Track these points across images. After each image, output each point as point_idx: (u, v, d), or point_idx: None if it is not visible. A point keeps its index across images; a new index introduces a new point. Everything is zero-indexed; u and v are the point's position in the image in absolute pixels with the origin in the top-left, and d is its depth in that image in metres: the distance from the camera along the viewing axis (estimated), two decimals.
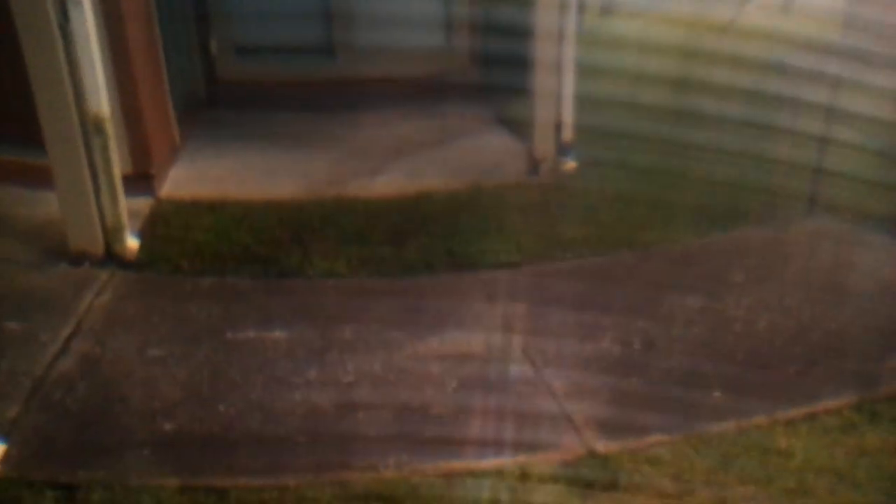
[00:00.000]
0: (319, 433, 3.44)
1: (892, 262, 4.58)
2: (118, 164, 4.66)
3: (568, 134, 5.80)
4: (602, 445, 3.31)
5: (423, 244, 4.90)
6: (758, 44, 6.65)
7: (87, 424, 3.41)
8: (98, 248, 4.59)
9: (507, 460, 3.26)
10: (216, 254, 4.84)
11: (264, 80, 7.56)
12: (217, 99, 7.49)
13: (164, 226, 5.10)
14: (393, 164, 6.16)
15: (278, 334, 4.08)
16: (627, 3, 8.87)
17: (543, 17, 5.69)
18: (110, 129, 4.51)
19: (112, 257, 4.63)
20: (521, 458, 3.26)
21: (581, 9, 6.08)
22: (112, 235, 4.64)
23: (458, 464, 3.26)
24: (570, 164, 5.78)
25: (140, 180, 5.36)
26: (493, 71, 7.36)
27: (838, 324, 4.02)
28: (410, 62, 7.63)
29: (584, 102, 5.86)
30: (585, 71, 5.80)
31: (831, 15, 7.25)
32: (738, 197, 5.21)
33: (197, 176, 5.97)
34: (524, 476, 3.17)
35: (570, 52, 5.76)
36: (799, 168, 5.26)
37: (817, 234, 4.96)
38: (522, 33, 5.99)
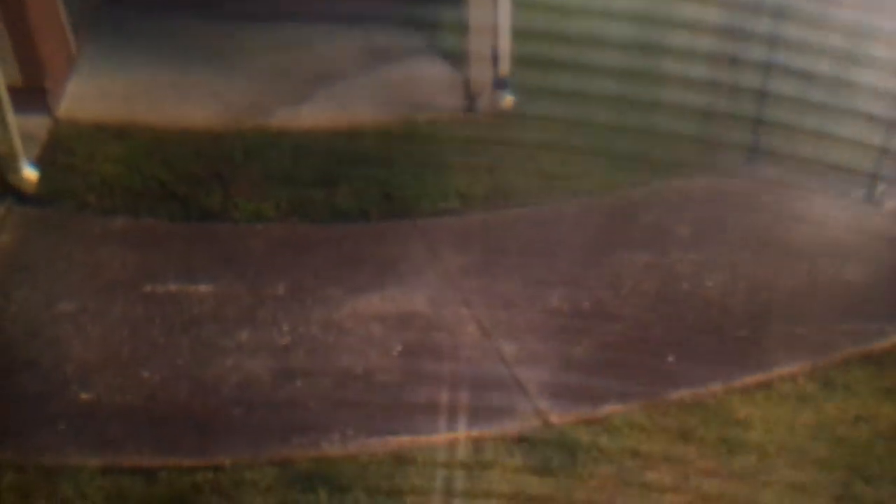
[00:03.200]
0: (255, 404, 3.19)
1: (836, 217, 4.55)
2: (1, 76, 4.05)
3: (505, 67, 5.50)
4: (557, 416, 3.20)
5: (358, 187, 4.58)
6: None
7: None
8: None
9: (459, 434, 3.11)
10: (128, 189, 4.40)
11: None
12: (118, 2, 6.75)
13: (65, 153, 4.58)
14: (320, 90, 5.72)
15: (203, 288, 3.74)
16: None
17: None
18: None
19: (7, 190, 4.12)
20: (475, 432, 3.11)
21: None
22: (4, 164, 4.11)
23: (407, 439, 3.08)
24: (508, 100, 5.50)
25: (32, 95, 4.72)
26: None
27: (786, 283, 3.98)
28: None
29: (521, 34, 5.56)
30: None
31: None
32: (679, 142, 5.07)
33: (99, 92, 5.38)
34: (478, 452, 3.03)
35: None
36: (741, 117, 5.14)
37: (759, 185, 4.89)
38: None
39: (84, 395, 3.08)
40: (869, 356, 3.48)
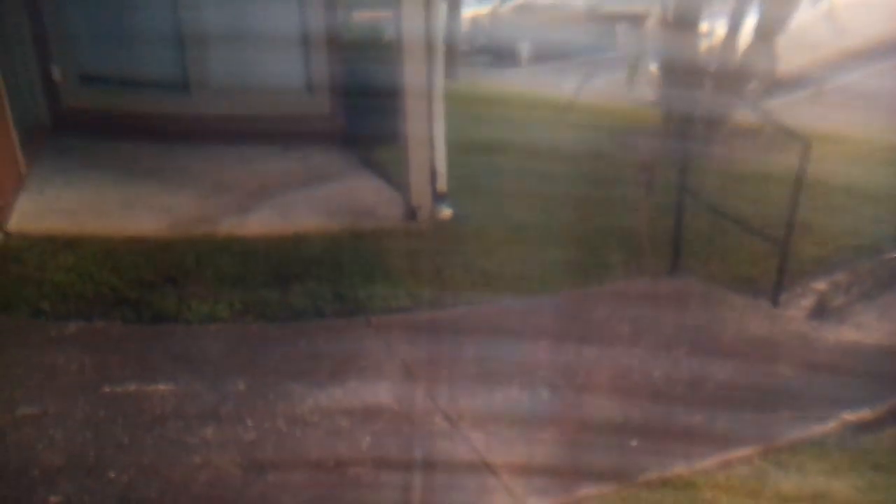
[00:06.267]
0: (227, 501, 2.98)
1: (754, 319, 4.72)
2: None
3: (442, 184, 5.65)
4: (534, 501, 3.09)
5: (309, 288, 4.52)
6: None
7: None
8: None
9: None
10: (80, 296, 4.22)
11: (114, 110, 6.85)
12: (64, 126, 6.67)
13: (17, 264, 4.38)
14: (262, 202, 5.71)
15: (163, 387, 3.56)
16: None
17: (410, 69, 5.49)
18: None
19: None
20: None
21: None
22: None
23: None
24: (447, 212, 5.61)
25: None
26: (358, 112, 7.10)
27: (725, 375, 4.04)
28: (269, 102, 7.21)
29: (455, 152, 5.76)
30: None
31: None
32: (606, 251, 5.25)
33: (48, 207, 5.23)
34: None
35: (439, 106, 5.62)
36: (661, 230, 5.36)
37: (682, 290, 5.07)
38: (385, 78, 5.79)
39: (53, 499, 2.82)
40: (812, 439, 3.55)
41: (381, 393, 3.67)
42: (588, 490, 3.13)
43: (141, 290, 4.33)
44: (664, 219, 5.37)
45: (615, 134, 8.04)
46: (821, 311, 5.21)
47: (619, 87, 9.21)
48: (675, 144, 6.39)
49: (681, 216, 5.26)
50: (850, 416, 3.69)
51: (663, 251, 5.29)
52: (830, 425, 3.70)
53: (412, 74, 5.48)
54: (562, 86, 9.97)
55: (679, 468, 3.27)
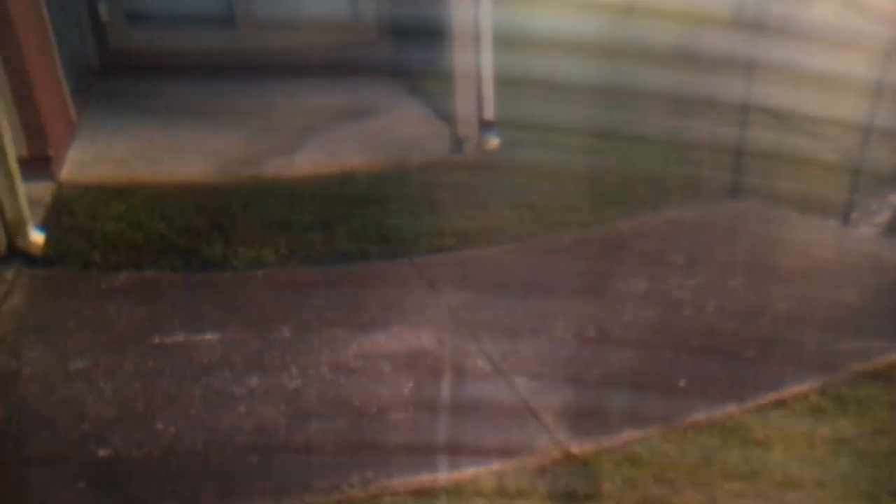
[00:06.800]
0: (272, 450, 3.03)
1: (819, 242, 4.50)
2: (12, 147, 3.98)
3: (489, 112, 5.47)
4: (577, 447, 3.05)
5: (354, 228, 4.48)
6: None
7: (8, 454, 2.86)
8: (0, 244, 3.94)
9: (480, 470, 2.95)
10: (130, 245, 4.27)
11: (161, 50, 6.83)
12: (112, 69, 6.70)
13: (69, 215, 4.46)
14: (309, 140, 5.66)
15: (210, 336, 3.60)
16: None
17: None
18: None
19: (16, 254, 3.99)
20: (496, 467, 2.96)
21: None
22: (14, 229, 4.00)
23: (428, 477, 2.93)
24: (494, 142, 5.45)
25: (37, 163, 4.67)
26: (404, 41, 6.90)
27: (784, 305, 3.89)
28: (315, 34, 7.06)
29: (504, 79, 5.53)
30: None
31: None
32: (662, 177, 5.03)
33: (98, 156, 5.29)
34: (502, 488, 2.88)
35: (487, 28, 5.39)
36: (721, 149, 5.11)
37: (742, 215, 4.84)
38: (433, 3, 5.58)
39: (101, 452, 2.91)
40: (875, 372, 3.38)
41: (423, 337, 3.65)
42: (633, 433, 3.07)
43: (189, 238, 4.36)
44: (728, 135, 5.10)
45: (680, 37, 7.55)
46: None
47: None
48: (745, 48, 5.90)
49: (744, 130, 4.97)
50: None
51: (725, 171, 5.05)
52: (894, 356, 3.54)
53: None
54: None
55: (729, 408, 3.16)
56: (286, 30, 6.98)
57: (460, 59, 5.40)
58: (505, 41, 5.51)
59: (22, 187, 4.01)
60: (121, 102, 6.21)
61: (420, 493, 2.85)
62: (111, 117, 5.87)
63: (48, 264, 4.00)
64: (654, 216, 4.83)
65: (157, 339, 3.56)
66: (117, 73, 6.63)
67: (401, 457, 3.01)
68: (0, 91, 3.97)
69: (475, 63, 5.39)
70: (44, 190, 4.60)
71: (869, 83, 4.69)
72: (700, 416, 3.17)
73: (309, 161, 5.32)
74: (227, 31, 7.03)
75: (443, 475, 2.94)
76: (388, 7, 7.00)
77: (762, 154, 5.04)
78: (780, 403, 3.21)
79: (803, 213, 4.74)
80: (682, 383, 3.35)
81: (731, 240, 4.48)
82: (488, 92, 5.42)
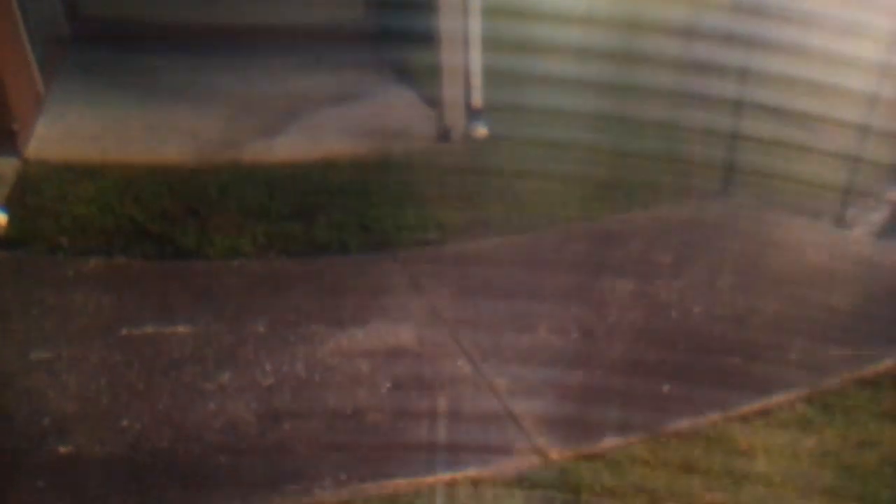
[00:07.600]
0: (242, 450, 2.94)
1: (812, 243, 4.45)
2: None
3: (477, 100, 5.35)
4: (556, 452, 2.98)
5: (335, 219, 4.37)
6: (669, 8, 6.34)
7: None
8: None
9: (456, 474, 2.88)
10: (100, 229, 4.13)
11: (138, 20, 6.61)
12: (84, 39, 6.47)
13: (35, 195, 4.31)
14: (291, 123, 5.51)
15: (182, 329, 3.50)
16: None
17: None
18: None
19: None
20: (472, 472, 2.89)
21: None
22: None
23: (402, 481, 2.85)
24: (482, 132, 5.34)
25: (1, 138, 4.50)
26: (391, 18, 6.74)
27: (773, 309, 3.84)
28: (299, 7, 6.88)
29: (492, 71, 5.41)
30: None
31: None
32: (653, 172, 4.95)
33: (68, 132, 5.12)
34: (478, 493, 2.81)
35: (476, 9, 5.27)
36: (713, 142, 5.03)
37: (734, 214, 4.78)
38: None
39: (62, 449, 2.81)
40: (864, 380, 3.35)
41: (402, 335, 3.56)
42: (614, 440, 3.01)
43: (162, 224, 4.23)
44: (719, 131, 5.03)
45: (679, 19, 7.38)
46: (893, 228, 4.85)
47: None
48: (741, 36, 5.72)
49: (736, 125, 4.91)
50: None
51: (716, 168, 4.99)
52: (885, 365, 3.51)
53: None
54: None
55: (713, 416, 3.11)
56: (268, 2, 6.78)
57: (447, 45, 5.28)
58: (495, 17, 5.37)
59: None
60: (93, 75, 6.01)
61: (394, 497, 2.77)
62: (82, 91, 5.69)
63: (11, 247, 3.86)
64: (643, 213, 4.75)
65: (125, 331, 3.44)
66: (89, 44, 6.40)
67: (375, 459, 2.93)
68: None
69: (463, 49, 5.27)
70: (8, 167, 4.43)
71: (871, 72, 4.62)
72: (683, 423, 3.11)
73: (290, 146, 5.18)
74: (208, 3, 6.83)
75: (418, 479, 2.87)
76: None
77: (757, 148, 4.97)
78: (766, 412, 3.16)
79: (796, 212, 4.68)
80: (665, 389, 3.29)
81: (721, 238, 4.43)
82: (476, 80, 5.31)
